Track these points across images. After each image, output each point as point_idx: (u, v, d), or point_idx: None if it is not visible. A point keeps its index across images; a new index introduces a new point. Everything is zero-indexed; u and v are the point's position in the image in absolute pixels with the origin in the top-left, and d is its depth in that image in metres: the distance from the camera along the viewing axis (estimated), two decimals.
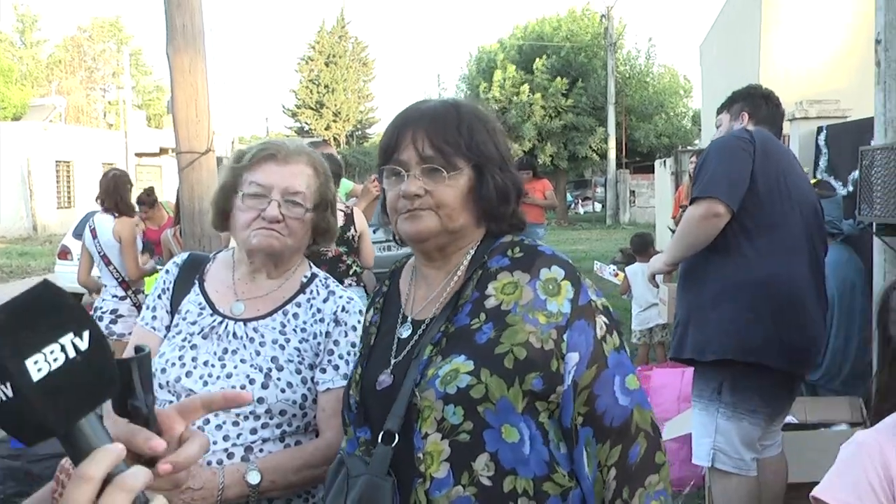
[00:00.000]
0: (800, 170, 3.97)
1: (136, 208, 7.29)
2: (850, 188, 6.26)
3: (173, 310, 2.27)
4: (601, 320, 1.71)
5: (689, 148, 18.72)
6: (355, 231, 5.62)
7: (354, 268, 5.66)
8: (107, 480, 0.88)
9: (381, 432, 1.66)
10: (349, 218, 5.58)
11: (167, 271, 2.35)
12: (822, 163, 7.39)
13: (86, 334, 0.90)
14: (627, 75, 35.89)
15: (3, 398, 0.85)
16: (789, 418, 4.68)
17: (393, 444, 1.64)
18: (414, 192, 1.71)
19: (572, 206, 41.24)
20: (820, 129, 7.65)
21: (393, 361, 1.74)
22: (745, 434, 3.73)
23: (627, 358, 1.75)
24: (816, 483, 5.03)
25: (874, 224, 4.77)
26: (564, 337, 1.66)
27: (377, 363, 1.77)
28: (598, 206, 41.76)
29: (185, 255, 2.40)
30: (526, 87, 32.18)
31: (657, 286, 5.68)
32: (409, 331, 1.77)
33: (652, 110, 36.57)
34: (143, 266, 6.62)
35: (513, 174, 1.83)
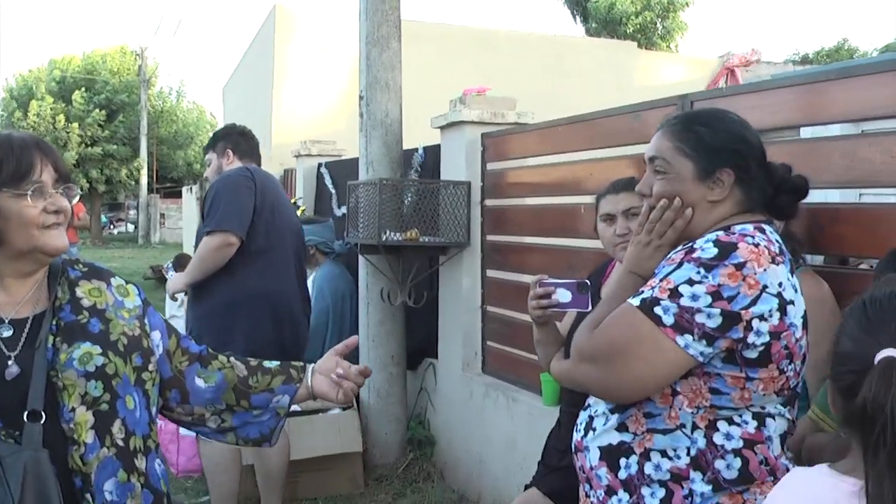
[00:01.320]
0: (286, 200, 4.23)
1: None
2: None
3: None
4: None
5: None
6: None
7: None
8: None
9: (26, 413, 1.66)
10: None
11: None
12: (335, 195, 7.72)
13: None
14: (160, 110, 34.94)
15: None
16: (294, 407, 4.85)
17: (42, 422, 1.67)
18: (65, 207, 1.78)
19: (107, 227, 39.12)
20: (320, 165, 8.06)
21: (12, 355, 1.72)
22: None
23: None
24: (314, 458, 5.20)
25: (359, 244, 5.12)
26: (146, 321, 1.95)
27: None
28: (130, 227, 40.18)
29: None
30: (62, 116, 29.95)
31: (176, 300, 5.65)
32: (11, 330, 1.75)
33: (182, 141, 36.02)
34: None
35: None
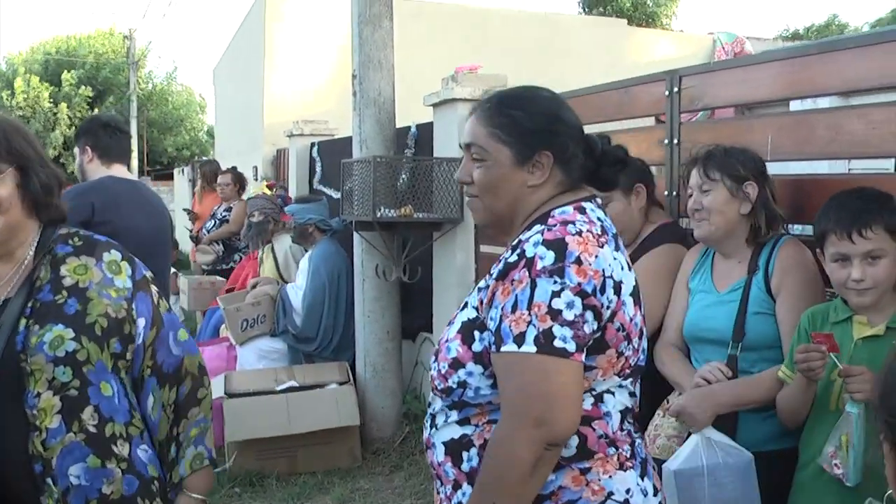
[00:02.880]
0: (148, 212, 3.76)
1: None
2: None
3: None
4: (153, 289, 1.94)
5: (202, 158, 18.78)
6: None
7: None
8: None
9: None
10: None
11: None
12: (318, 173, 7.84)
13: None
14: (150, 92, 34.78)
15: None
16: (291, 382, 4.97)
17: None
18: None
19: None
20: (313, 144, 8.10)
21: None
22: None
23: (176, 316, 2.01)
24: (313, 432, 5.26)
25: (354, 221, 5.17)
26: (133, 306, 1.86)
27: None
28: None
29: None
30: (47, 95, 29.80)
31: None
32: None
33: (172, 124, 35.88)
34: None
35: (53, 169, 1.87)
